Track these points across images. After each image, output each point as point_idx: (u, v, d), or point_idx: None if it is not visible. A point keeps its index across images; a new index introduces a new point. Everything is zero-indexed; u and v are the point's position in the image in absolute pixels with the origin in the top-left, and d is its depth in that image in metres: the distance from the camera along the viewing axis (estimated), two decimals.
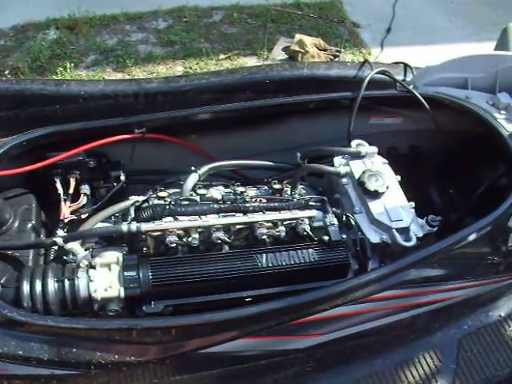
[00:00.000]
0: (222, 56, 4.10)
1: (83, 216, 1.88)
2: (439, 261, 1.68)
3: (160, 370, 1.52)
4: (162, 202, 1.74)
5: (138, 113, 2.03)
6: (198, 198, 1.75)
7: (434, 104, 2.05)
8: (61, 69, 3.73)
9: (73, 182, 1.93)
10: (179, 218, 1.66)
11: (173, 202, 1.67)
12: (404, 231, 1.77)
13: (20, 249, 1.67)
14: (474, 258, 1.78)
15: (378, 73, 2.10)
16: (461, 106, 2.02)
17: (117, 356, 1.41)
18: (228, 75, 2.26)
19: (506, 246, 1.80)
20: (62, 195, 1.89)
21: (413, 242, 1.74)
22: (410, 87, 2.08)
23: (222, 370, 1.60)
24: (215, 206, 1.69)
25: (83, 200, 1.94)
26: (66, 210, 1.88)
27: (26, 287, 1.45)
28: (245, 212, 1.71)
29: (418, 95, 2.04)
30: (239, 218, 1.69)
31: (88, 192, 1.97)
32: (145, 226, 1.60)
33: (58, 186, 1.90)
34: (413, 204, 1.85)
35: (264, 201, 1.77)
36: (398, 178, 1.92)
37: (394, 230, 1.76)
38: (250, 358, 1.61)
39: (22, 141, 1.81)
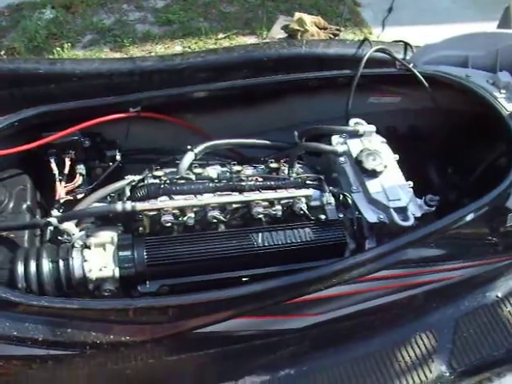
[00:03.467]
0: (220, 35, 4.05)
1: (79, 196, 1.87)
2: (436, 241, 1.66)
3: (157, 350, 1.52)
4: (157, 181, 1.72)
5: (133, 91, 2.01)
6: (193, 177, 1.73)
7: (433, 83, 2.02)
8: (58, 49, 3.67)
9: (68, 162, 1.91)
10: (175, 197, 1.64)
11: (168, 181, 1.65)
12: (402, 211, 1.75)
13: (14, 229, 1.66)
14: (472, 239, 1.77)
15: (377, 51, 2.07)
16: (460, 85, 1.99)
17: (112, 336, 1.41)
18: (225, 53, 2.24)
19: (504, 226, 1.78)
20: (57, 175, 1.87)
21: (410, 222, 1.72)
22: (410, 65, 2.05)
23: (218, 350, 1.60)
24: (211, 184, 1.68)
25: (79, 180, 1.92)
26: (61, 190, 1.86)
27: (20, 268, 1.44)
28: (241, 191, 1.69)
29: (418, 73, 2.01)
30: (235, 196, 1.68)
31: (83, 172, 1.95)
32: (140, 205, 1.59)
33: (53, 166, 1.88)
34: (411, 183, 1.83)
35: (260, 179, 1.75)
36: (396, 157, 1.90)
37: (391, 210, 1.74)
38: (246, 337, 1.60)
39: (15, 120, 1.79)
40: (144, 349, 1.49)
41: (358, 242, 1.73)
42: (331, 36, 3.38)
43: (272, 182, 1.74)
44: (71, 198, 1.86)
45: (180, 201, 1.62)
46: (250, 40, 4.07)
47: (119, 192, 1.79)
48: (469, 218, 1.66)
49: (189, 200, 1.63)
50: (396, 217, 1.72)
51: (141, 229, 1.68)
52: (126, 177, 1.82)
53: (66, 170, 1.90)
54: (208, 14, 4.22)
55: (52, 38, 3.76)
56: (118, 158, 1.98)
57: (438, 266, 1.74)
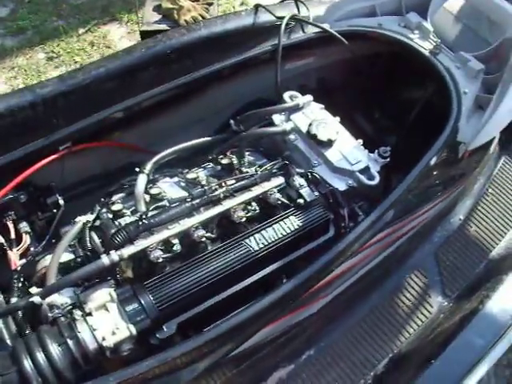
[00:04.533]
0: (81, 30, 3.77)
1: (36, 257, 1.69)
2: (413, 191, 1.72)
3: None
4: (126, 218, 1.60)
5: (42, 123, 1.83)
6: (165, 202, 1.63)
7: (351, 38, 2.03)
8: None
9: (11, 225, 1.71)
10: (155, 229, 1.54)
11: (143, 216, 1.53)
12: (366, 171, 1.79)
13: None
14: (437, 178, 1.85)
15: (291, 18, 2.03)
16: (378, 34, 2.03)
17: None
18: (126, 55, 2.10)
19: (456, 158, 1.89)
20: (5, 244, 1.68)
21: (377, 180, 1.77)
22: (325, 26, 2.04)
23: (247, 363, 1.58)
24: (187, 205, 1.59)
25: (27, 240, 1.73)
26: (15, 258, 1.67)
27: (29, 365, 1.27)
28: (217, 201, 1.62)
29: (336, 34, 2.01)
30: (215, 209, 1.60)
31: (28, 229, 1.76)
32: (126, 251, 1.46)
33: None
34: (361, 141, 1.87)
35: (229, 182, 1.69)
36: (338, 118, 1.92)
37: (357, 173, 1.77)
38: (269, 341, 1.59)
39: None
40: None
41: (334, 212, 1.75)
42: (206, 7, 3.26)
43: (243, 182, 1.68)
44: (26, 260, 1.68)
45: (165, 232, 1.52)
46: (113, 27, 3.84)
47: (77, 238, 1.65)
48: (432, 161, 1.74)
49: (173, 229, 1.53)
50: (363, 178, 1.77)
51: (119, 275, 1.55)
52: (76, 219, 1.67)
53: (13, 235, 1.70)
54: (60, 11, 3.89)
55: None
56: (61, 202, 1.81)
57: (414, 214, 1.81)
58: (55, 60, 3.59)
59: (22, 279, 1.62)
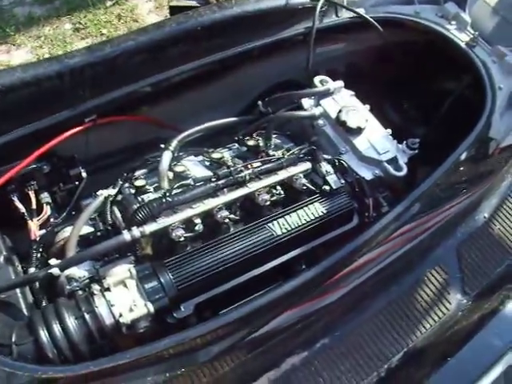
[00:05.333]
0: (109, 3, 3.73)
1: (55, 228, 1.69)
2: (440, 186, 1.69)
3: (207, 369, 1.45)
4: (150, 195, 1.58)
5: (68, 94, 1.81)
6: (190, 181, 1.60)
7: (386, 25, 1.98)
8: None
9: (33, 195, 1.70)
10: (178, 207, 1.52)
11: (167, 194, 1.51)
12: (393, 161, 1.76)
13: (11, 289, 1.47)
14: (465, 174, 1.81)
15: (325, 0, 1.98)
16: (414, 23, 1.98)
17: (168, 374, 1.32)
18: (155, 30, 2.05)
19: (486, 154, 1.84)
20: (25, 213, 1.67)
21: (404, 171, 1.74)
22: (361, 11, 1.99)
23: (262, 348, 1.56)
24: (212, 184, 1.56)
25: (47, 210, 1.73)
26: (35, 228, 1.66)
27: (45, 337, 1.27)
28: (242, 183, 1.60)
29: (371, 19, 1.96)
30: (240, 191, 1.58)
31: (49, 200, 1.75)
32: (148, 228, 1.45)
33: (18, 203, 1.67)
34: (390, 131, 1.83)
35: (255, 165, 1.66)
36: (368, 107, 1.88)
37: (384, 163, 1.74)
38: (286, 328, 1.57)
39: None
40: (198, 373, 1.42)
41: (359, 202, 1.72)
42: None
43: (269, 165, 1.66)
44: (46, 231, 1.68)
45: (188, 211, 1.50)
46: (141, 1, 3.79)
47: (98, 212, 1.64)
48: (463, 156, 1.69)
49: (196, 208, 1.51)
50: (390, 169, 1.74)
51: (139, 252, 1.54)
52: (97, 193, 1.66)
53: (34, 205, 1.69)
54: None
55: None
56: (84, 174, 1.80)
57: (440, 208, 1.78)
58: (81, 31, 3.57)
59: (40, 250, 1.62)
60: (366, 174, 1.74)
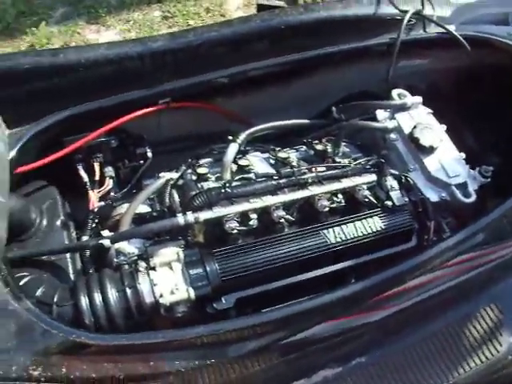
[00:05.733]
0: None
1: (113, 202, 1.72)
2: (508, 218, 1.59)
3: (238, 365, 1.43)
4: (210, 183, 1.58)
5: (146, 76, 1.83)
6: (252, 175, 1.59)
7: (474, 44, 1.90)
8: (32, 28, 3.36)
9: (97, 167, 1.74)
10: (236, 200, 1.51)
11: (227, 184, 1.51)
12: (462, 186, 1.68)
13: (61, 253, 1.51)
14: None
15: (414, 14, 1.92)
16: (505, 45, 1.88)
17: (197, 362, 1.30)
18: (241, 24, 2.05)
19: None
20: (88, 183, 1.71)
21: (473, 198, 1.66)
22: (450, 27, 1.92)
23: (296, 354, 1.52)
24: (273, 182, 1.55)
25: (109, 184, 1.76)
26: (94, 199, 1.70)
27: (85, 303, 1.30)
28: (303, 185, 1.57)
29: (459, 36, 1.89)
30: (300, 192, 1.55)
31: (113, 174, 1.79)
32: (203, 215, 1.45)
33: (82, 173, 1.72)
34: (463, 155, 1.75)
35: (320, 169, 1.63)
36: (444, 127, 1.81)
37: (453, 187, 1.66)
38: (323, 338, 1.53)
39: (39, 130, 1.61)
40: (226, 367, 1.40)
41: (420, 223, 1.65)
42: None
43: (334, 172, 1.62)
44: (105, 204, 1.71)
45: (245, 204, 1.49)
46: None
47: (158, 193, 1.66)
48: None
49: (254, 203, 1.50)
50: (458, 194, 1.65)
51: (191, 237, 1.54)
52: (160, 174, 1.68)
53: (97, 176, 1.73)
54: None
55: (22, 16, 3.42)
56: (150, 154, 1.82)
57: (505, 243, 1.68)
58: (169, 20, 3.64)
59: (96, 220, 1.65)
60: (432, 195, 1.67)
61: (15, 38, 3.32)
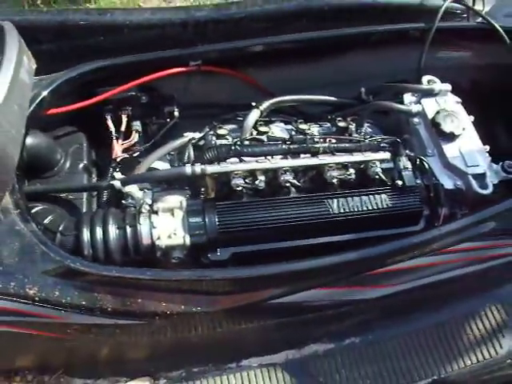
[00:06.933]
0: None
1: (136, 154, 1.80)
2: None
3: (226, 319, 1.46)
4: (223, 141, 1.62)
5: (186, 43, 1.89)
6: (264, 138, 1.63)
7: None
8: None
9: (125, 119, 1.82)
10: (245, 159, 1.55)
11: (238, 142, 1.55)
12: (480, 177, 1.64)
13: (75, 191, 1.60)
14: None
15: (453, 1, 1.90)
16: None
17: (183, 307, 1.35)
18: (283, 3, 2.09)
19: None
20: (113, 133, 1.79)
21: (489, 190, 1.61)
22: (490, 18, 1.88)
23: (288, 320, 1.54)
24: (284, 146, 1.57)
25: (135, 137, 1.84)
26: (118, 149, 1.78)
27: (86, 235, 1.38)
28: (315, 153, 1.59)
29: (499, 28, 1.85)
30: (310, 160, 1.57)
31: (139, 129, 1.86)
32: (210, 169, 1.50)
33: (110, 123, 1.80)
34: (487, 148, 1.71)
35: (333, 141, 1.64)
36: (472, 118, 1.78)
37: (469, 176, 1.63)
38: (316, 307, 1.54)
39: (72, 76, 1.69)
40: (214, 318, 1.44)
41: (432, 208, 1.63)
42: None
43: (346, 144, 1.63)
44: (128, 155, 1.79)
45: (252, 163, 1.53)
46: None
47: (179, 150, 1.71)
48: None
49: (262, 163, 1.53)
50: (474, 184, 1.62)
51: (202, 189, 1.60)
52: (184, 134, 1.73)
53: (123, 128, 1.81)
54: None
55: None
56: (176, 114, 1.89)
57: None
58: None
59: (117, 170, 1.73)
60: (447, 182, 1.64)
61: (79, 6, 3.45)
